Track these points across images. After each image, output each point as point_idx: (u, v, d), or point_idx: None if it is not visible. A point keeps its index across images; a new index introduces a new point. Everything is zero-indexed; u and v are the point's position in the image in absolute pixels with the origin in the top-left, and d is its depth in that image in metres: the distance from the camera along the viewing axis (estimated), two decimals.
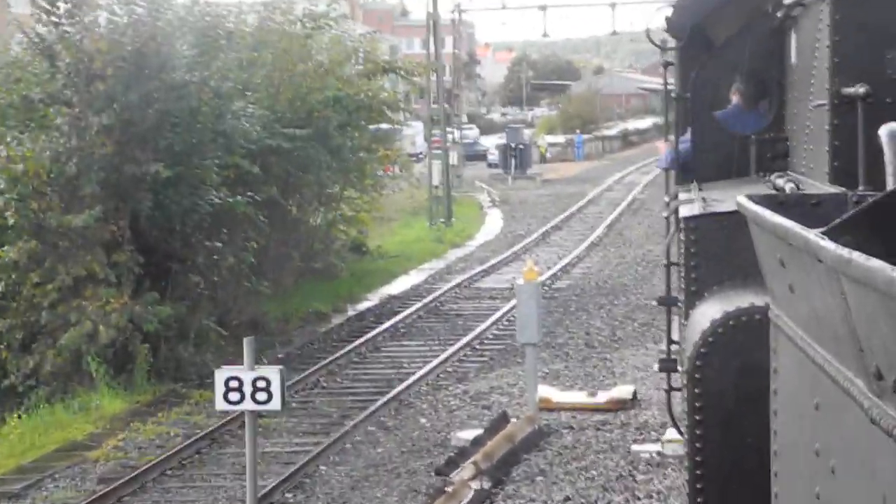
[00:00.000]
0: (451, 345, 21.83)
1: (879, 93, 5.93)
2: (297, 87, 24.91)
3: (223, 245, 23.53)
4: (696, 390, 5.89)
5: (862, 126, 5.71)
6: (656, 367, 9.31)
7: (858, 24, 6.09)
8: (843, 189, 5.45)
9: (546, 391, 16.87)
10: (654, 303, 24.44)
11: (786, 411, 3.97)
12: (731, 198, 5.54)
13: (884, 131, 4.15)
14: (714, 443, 6.01)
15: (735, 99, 8.74)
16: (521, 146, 61.66)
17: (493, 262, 31.80)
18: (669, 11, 8.70)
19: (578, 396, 16.94)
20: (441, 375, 19.88)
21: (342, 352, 21.47)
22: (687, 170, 8.49)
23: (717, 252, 6.32)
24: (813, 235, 2.87)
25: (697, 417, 5.96)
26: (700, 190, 7.69)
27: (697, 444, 6.10)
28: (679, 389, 7.94)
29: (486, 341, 22.35)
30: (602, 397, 16.74)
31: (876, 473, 2.65)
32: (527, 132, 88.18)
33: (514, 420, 15.50)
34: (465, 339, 22.06)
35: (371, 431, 16.77)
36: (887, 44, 6.00)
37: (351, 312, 25.85)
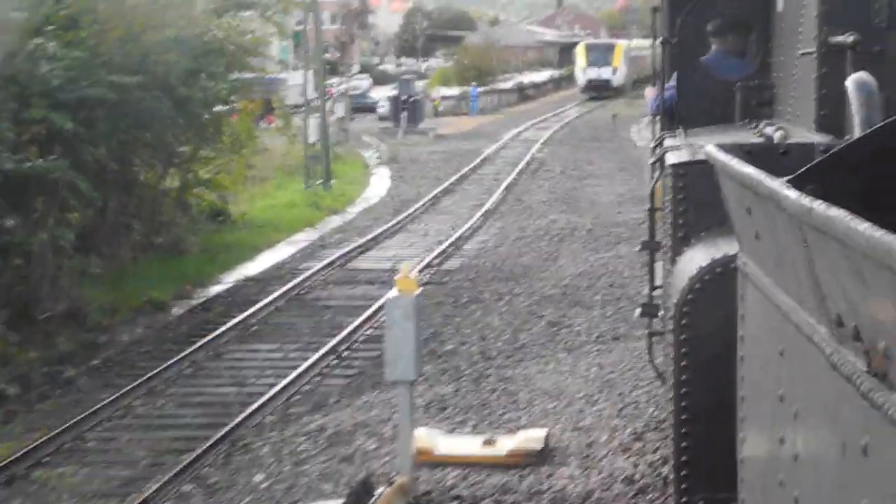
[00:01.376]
0: (313, 350, 17.09)
1: (867, 42, 5.83)
2: (127, 23, 19.69)
3: (35, 217, 18.57)
4: (683, 335, 5.83)
5: (849, 75, 5.20)
6: (638, 312, 9.10)
7: None
8: (829, 137, 5.50)
9: (427, 436, 12.20)
10: (557, 293, 20.08)
11: (752, 357, 3.99)
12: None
13: (850, 82, 4.09)
14: (699, 387, 5.97)
15: (716, 45, 8.52)
16: (412, 99, 56.73)
17: (374, 233, 27.02)
18: None
19: (470, 445, 12.27)
20: (294, 399, 15.14)
21: (174, 360, 16.60)
22: (672, 116, 8.34)
23: (705, 199, 5.93)
24: (777, 184, 2.87)
25: (683, 362, 5.89)
26: (686, 136, 7.57)
27: (683, 389, 6.08)
28: (661, 334, 8.16)
29: (356, 347, 17.62)
30: (502, 446, 12.11)
31: (837, 418, 2.69)
32: (420, 84, 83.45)
33: (379, 492, 10.76)
34: (330, 343, 17.32)
35: (184, 495, 11.99)
36: None
37: (196, 301, 20.92)
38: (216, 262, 23.67)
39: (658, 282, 8.21)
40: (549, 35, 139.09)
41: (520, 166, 41.04)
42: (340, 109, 53.48)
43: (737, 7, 8.22)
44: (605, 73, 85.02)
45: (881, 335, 2.30)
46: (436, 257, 23.73)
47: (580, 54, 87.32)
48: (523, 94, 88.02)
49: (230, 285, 22.13)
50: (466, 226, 27.62)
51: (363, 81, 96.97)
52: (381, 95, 70.92)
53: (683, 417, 6.17)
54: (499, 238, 26.44)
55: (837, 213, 2.34)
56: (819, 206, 2.45)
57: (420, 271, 22.13)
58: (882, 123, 3.59)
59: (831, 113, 5.97)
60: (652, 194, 8.32)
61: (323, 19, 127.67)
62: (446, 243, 25.26)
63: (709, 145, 4.03)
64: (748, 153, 4.08)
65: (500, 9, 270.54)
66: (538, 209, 30.81)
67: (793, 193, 2.69)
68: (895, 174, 3.30)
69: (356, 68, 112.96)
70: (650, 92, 10.14)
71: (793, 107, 7.04)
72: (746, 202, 3.42)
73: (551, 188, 35.22)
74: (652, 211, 8.33)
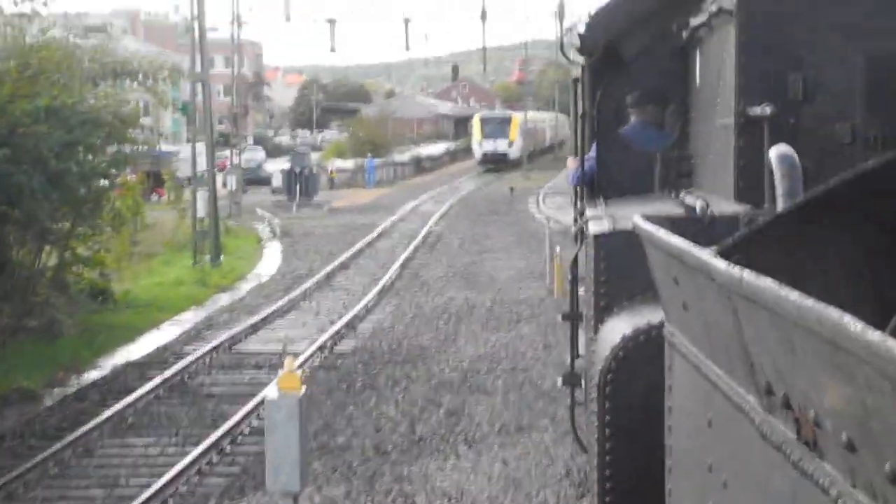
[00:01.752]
0: (193, 445, 15.69)
1: (783, 114, 5.98)
2: None
3: None
4: (606, 404, 5.80)
5: (767, 146, 5.54)
6: (560, 381, 9.15)
7: (763, 46, 6.10)
8: (748, 207, 5.67)
9: None
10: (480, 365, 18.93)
11: (680, 427, 4.00)
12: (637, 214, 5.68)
13: (773, 153, 4.20)
14: (622, 457, 5.94)
15: (635, 116, 8.41)
16: (306, 171, 55.58)
17: (264, 312, 25.66)
18: (582, 28, 8.43)
19: None
20: (168, 503, 13.72)
21: (39, 458, 15.09)
22: (593, 186, 8.37)
23: (626, 268, 6.02)
24: (706, 254, 2.92)
25: (607, 431, 5.85)
26: (607, 206, 7.59)
27: (606, 458, 6.05)
28: (582, 404, 8.24)
29: (240, 440, 16.24)
30: None
31: (767, 487, 2.72)
32: (315, 156, 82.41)
33: None
34: (212, 436, 15.93)
35: None
36: (790, 67, 6.05)
37: (70, 389, 19.32)
38: (94, 345, 22.12)
39: (580, 351, 8.25)
40: (445, 107, 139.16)
41: (417, 240, 40.04)
42: (232, 182, 52.14)
43: (656, 79, 8.27)
44: (501, 145, 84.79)
45: (811, 403, 2.32)
46: (328, 338, 22.45)
47: (476, 127, 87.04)
48: (420, 166, 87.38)
49: (108, 371, 20.58)
50: (361, 304, 26.40)
51: (257, 154, 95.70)
52: (276, 168, 69.69)
53: (608, 487, 6.08)
54: (395, 317, 25.26)
55: (767, 282, 2.37)
56: (748, 275, 2.49)
57: (310, 356, 20.86)
58: (807, 196, 3.58)
59: (749, 184, 6.06)
60: (574, 264, 8.26)
61: (217, 90, 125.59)
62: (339, 323, 24.01)
63: (635, 215, 4.06)
64: (673, 223, 4.07)
65: (395, 82, 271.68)
66: (436, 286, 29.72)
67: (722, 264, 2.72)
68: (819, 245, 3.35)
69: (250, 140, 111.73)
70: (571, 163, 9.80)
71: (711, 177, 7.11)
72: (673, 272, 3.43)
73: (449, 263, 34.19)
74: (574, 281, 8.36)
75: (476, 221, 47.07)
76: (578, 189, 8.91)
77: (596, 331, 6.40)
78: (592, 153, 8.46)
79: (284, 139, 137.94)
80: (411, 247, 38.10)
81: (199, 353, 21.37)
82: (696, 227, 4.76)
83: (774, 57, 6.16)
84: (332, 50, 52.15)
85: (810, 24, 6.15)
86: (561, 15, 52.92)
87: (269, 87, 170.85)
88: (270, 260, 36.49)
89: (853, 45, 6.09)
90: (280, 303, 26.96)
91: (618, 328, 6.00)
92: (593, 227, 6.64)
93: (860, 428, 2.05)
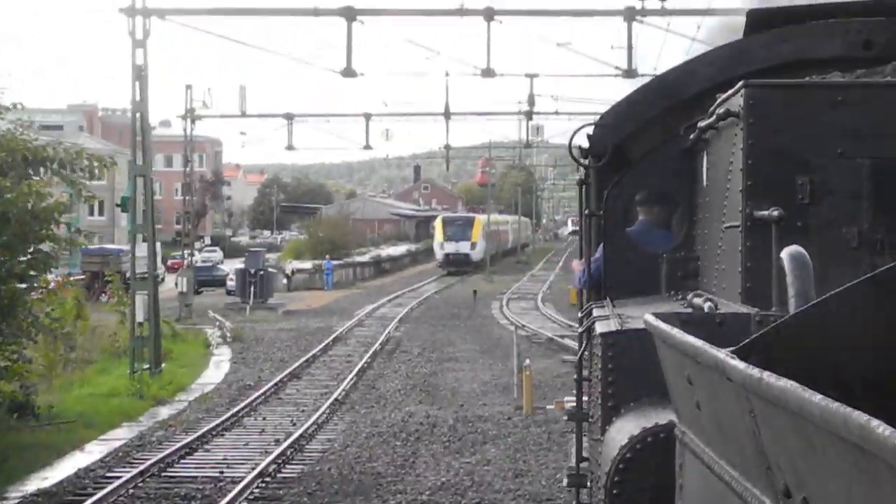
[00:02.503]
0: None
1: (791, 217, 5.99)
2: None
3: None
4: None
5: (775, 249, 5.53)
6: (565, 482, 9.10)
7: (770, 149, 6.12)
8: (756, 309, 5.68)
9: None
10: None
11: None
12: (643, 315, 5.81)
13: (785, 254, 4.19)
14: None
15: (642, 216, 8.50)
16: (261, 272, 53.08)
17: (203, 429, 23.00)
18: (591, 130, 8.57)
19: None
20: None
21: None
22: (598, 287, 8.37)
23: (635, 368, 5.96)
24: (723, 355, 2.90)
25: None
26: (614, 306, 7.53)
27: None
28: None
29: None
30: None
31: None
32: (272, 257, 79.94)
33: None
34: None
35: None
36: (798, 170, 6.05)
37: None
38: (4, 471, 19.39)
39: (585, 453, 8.32)
40: (406, 209, 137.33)
41: (374, 347, 37.56)
42: (184, 283, 49.58)
43: (662, 181, 8.30)
44: (463, 247, 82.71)
45: None
46: (272, 462, 19.82)
47: (438, 228, 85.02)
48: (380, 267, 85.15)
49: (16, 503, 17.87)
50: (311, 420, 23.80)
51: (214, 254, 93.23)
52: (233, 268, 67.20)
53: None
54: (348, 436, 22.67)
55: (788, 384, 2.36)
56: (769, 377, 2.47)
57: (250, 482, 18.23)
58: (820, 298, 3.49)
59: (756, 285, 6.07)
60: (580, 363, 8.27)
61: (175, 189, 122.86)
62: (286, 443, 21.40)
63: (646, 314, 4.07)
64: (684, 323, 4.09)
65: (356, 182, 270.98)
66: (393, 399, 27.17)
67: (740, 364, 2.70)
68: (832, 348, 3.34)
69: (207, 240, 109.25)
70: (577, 265, 9.95)
71: (718, 278, 7.10)
72: (687, 371, 3.44)
73: (408, 373, 31.66)
74: (579, 381, 8.30)
75: (437, 327, 44.64)
76: (584, 290, 8.98)
77: (604, 431, 6.28)
78: (597, 254, 8.47)
79: (244, 239, 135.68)
80: (368, 354, 35.61)
81: (124, 478, 18.67)
82: (708, 328, 4.60)
83: (781, 160, 6.15)
84: (290, 147, 49.82)
85: (817, 127, 6.09)
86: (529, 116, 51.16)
87: (228, 186, 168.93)
88: (217, 368, 33.82)
89: (859, 148, 6.03)
90: (222, 418, 24.32)
91: (625, 429, 5.90)
92: (600, 327, 6.54)
93: None
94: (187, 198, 51.72)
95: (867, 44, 7.26)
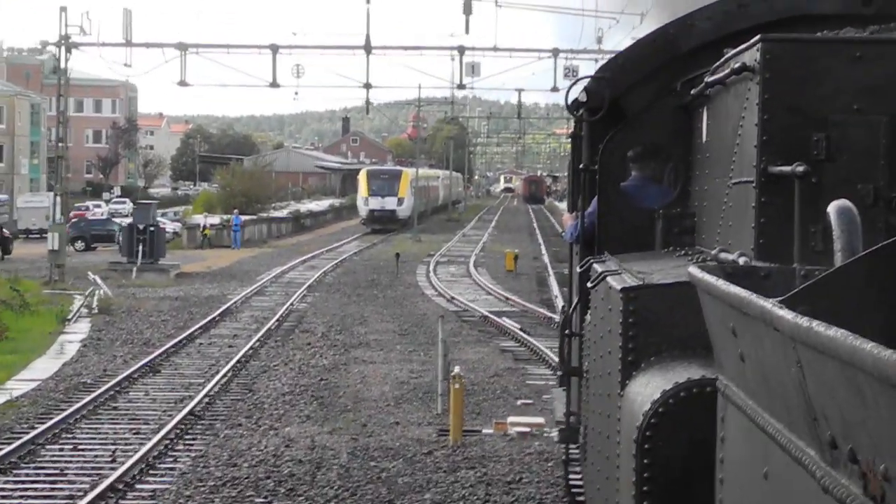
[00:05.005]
0: None
1: (806, 173, 5.87)
2: None
3: None
4: (645, 461, 5.52)
5: (798, 205, 5.62)
6: (556, 437, 9.18)
7: (787, 105, 5.98)
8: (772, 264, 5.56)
9: None
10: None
11: (733, 480, 3.92)
12: (655, 271, 6.44)
13: (833, 208, 3.91)
14: None
15: (636, 172, 8.49)
16: (151, 229, 44.86)
17: (10, 447, 15.21)
18: (588, 83, 8.62)
19: None
20: None
21: None
22: (590, 242, 8.37)
23: (657, 323, 5.86)
24: (770, 304, 2.87)
25: (645, 488, 5.57)
26: (620, 262, 7.32)
27: None
28: (577, 461, 8.73)
29: None
30: None
31: None
32: (179, 210, 71.78)
33: None
34: None
35: None
36: (814, 126, 5.89)
37: None
38: None
39: (573, 408, 8.33)
40: (333, 161, 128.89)
41: (270, 323, 29.77)
42: (55, 240, 41.31)
43: (658, 136, 8.20)
44: (389, 203, 74.75)
45: (880, 457, 2.26)
46: None
47: (362, 182, 76.94)
48: (299, 223, 77.10)
49: None
50: (148, 446, 16.05)
51: (123, 205, 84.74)
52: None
53: None
54: (191, 479, 14.87)
55: (838, 332, 2.31)
56: (818, 325, 2.44)
57: None
58: (867, 251, 3.46)
59: (769, 241, 5.89)
60: (570, 319, 8.45)
61: (86, 136, 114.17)
62: (105, 484, 13.75)
63: (691, 267, 4.01)
64: (730, 275, 3.90)
65: (288, 136, 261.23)
66: (272, 411, 19.35)
67: (789, 314, 2.66)
68: (878, 301, 3.28)
69: (117, 191, 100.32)
70: (568, 219, 9.40)
71: (721, 234, 6.78)
72: (731, 323, 3.40)
73: (302, 366, 23.83)
74: (570, 336, 8.47)
75: (351, 297, 36.83)
76: (574, 245, 9.15)
77: (623, 387, 5.95)
78: (590, 209, 8.40)
79: (163, 191, 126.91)
80: (260, 333, 27.84)
81: None
82: (754, 280, 4.16)
83: (797, 116, 5.93)
84: (183, 83, 41.45)
85: (834, 84, 5.88)
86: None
87: (151, 136, 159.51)
88: (58, 354, 25.70)
89: (876, 105, 5.84)
90: (29, 435, 16.53)
91: (653, 383, 5.62)
92: (615, 282, 6.27)
93: None
94: (59, 143, 42.92)
95: (866, 0, 7.34)
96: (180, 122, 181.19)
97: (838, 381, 2.36)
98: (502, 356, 24.88)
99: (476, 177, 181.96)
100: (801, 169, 5.72)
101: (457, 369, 17.38)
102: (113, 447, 16.65)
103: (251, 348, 25.74)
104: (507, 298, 35.35)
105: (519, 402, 19.85)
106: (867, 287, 3.28)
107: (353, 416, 18.82)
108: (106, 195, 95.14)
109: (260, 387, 21.50)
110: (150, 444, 16.36)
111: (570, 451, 8.71)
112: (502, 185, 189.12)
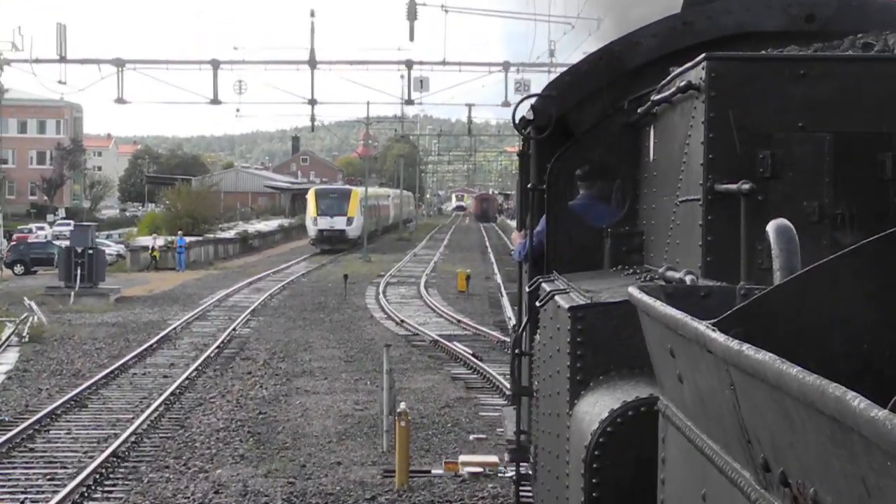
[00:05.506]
0: None
1: (752, 191, 5.88)
2: None
3: None
4: (593, 479, 5.50)
5: (744, 223, 5.61)
6: (507, 456, 9.35)
7: (732, 123, 5.94)
8: (720, 282, 5.52)
9: None
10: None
11: (673, 501, 3.90)
12: (603, 289, 6.37)
13: (772, 227, 4.00)
14: None
15: (584, 190, 8.42)
16: (90, 251, 43.05)
17: None
18: (534, 101, 8.46)
19: None
20: None
21: None
22: (539, 260, 8.35)
23: (603, 342, 5.81)
24: (703, 327, 2.83)
25: None
26: (568, 280, 7.38)
27: None
28: (527, 480, 8.70)
29: None
30: None
31: None
32: (123, 232, 69.86)
33: None
34: None
35: None
36: (759, 144, 5.89)
37: None
38: None
39: (524, 426, 8.38)
40: (282, 181, 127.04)
41: (210, 351, 28.15)
42: None
43: (605, 154, 8.10)
44: (338, 222, 73.09)
45: (809, 480, 2.26)
46: None
47: (311, 202, 75.18)
48: (247, 244, 75.26)
49: None
50: (61, 495, 14.43)
51: (67, 228, 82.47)
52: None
53: None
54: None
55: (766, 356, 2.29)
56: (748, 349, 2.40)
57: None
58: (804, 270, 3.42)
59: (717, 259, 5.85)
60: (520, 338, 8.39)
61: (30, 157, 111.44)
62: None
63: (630, 287, 3.98)
64: (670, 295, 3.94)
65: (238, 156, 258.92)
66: (204, 450, 17.74)
67: (720, 336, 2.62)
68: (813, 321, 3.23)
69: (61, 213, 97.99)
70: (517, 237, 9.34)
71: (669, 253, 6.73)
72: (669, 344, 3.34)
73: (240, 397, 22.24)
74: (520, 355, 8.43)
75: (297, 322, 35.21)
76: (523, 263, 9.03)
77: (571, 406, 5.92)
78: (539, 227, 8.39)
79: (111, 212, 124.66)
80: (198, 362, 26.20)
81: None
82: (693, 300, 4.18)
83: (743, 134, 5.90)
84: (120, 100, 39.84)
85: (779, 101, 5.86)
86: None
87: (100, 157, 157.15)
88: None
89: (821, 122, 5.83)
90: None
91: (601, 402, 5.63)
92: (563, 301, 6.24)
93: None
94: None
95: (810, 17, 7.37)
96: (129, 142, 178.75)
97: (768, 404, 2.37)
98: (453, 384, 23.39)
99: (427, 195, 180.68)
100: (746, 187, 5.69)
101: (402, 406, 15.87)
102: (23, 496, 15.01)
103: (187, 378, 24.12)
104: (459, 321, 33.88)
105: (472, 437, 18.35)
106: (803, 306, 3.29)
107: (292, 455, 17.26)
108: (50, 217, 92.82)
109: (193, 422, 19.89)
110: (63, 492, 14.74)
111: (521, 468, 8.79)
112: (454, 203, 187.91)
